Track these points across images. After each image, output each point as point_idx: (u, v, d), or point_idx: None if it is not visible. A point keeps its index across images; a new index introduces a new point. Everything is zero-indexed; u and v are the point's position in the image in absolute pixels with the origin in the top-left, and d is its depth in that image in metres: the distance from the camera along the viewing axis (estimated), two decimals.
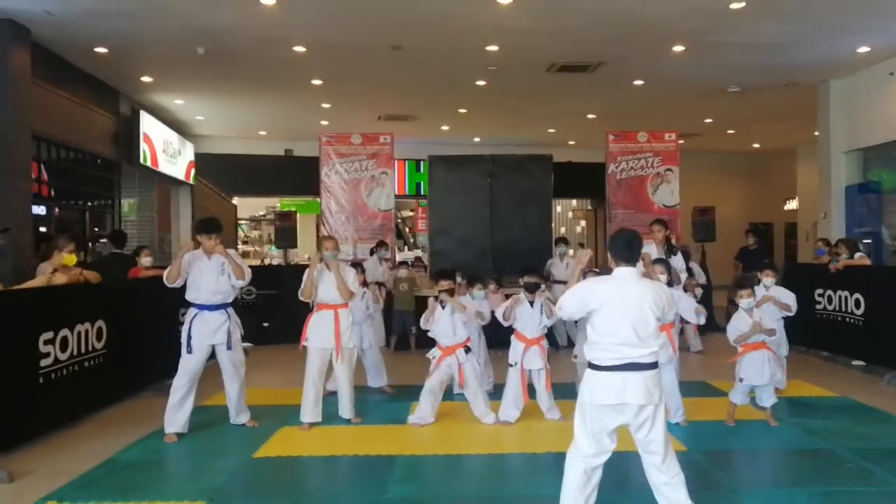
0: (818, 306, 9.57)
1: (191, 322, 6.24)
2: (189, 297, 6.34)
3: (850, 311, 8.98)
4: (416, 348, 10.37)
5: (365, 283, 8.19)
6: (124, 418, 6.92)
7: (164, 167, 15.29)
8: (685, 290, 7.22)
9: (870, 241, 12.82)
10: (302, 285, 6.60)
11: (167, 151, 15.50)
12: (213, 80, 13.32)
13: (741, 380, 6.37)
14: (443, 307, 6.56)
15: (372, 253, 11.01)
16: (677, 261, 8.37)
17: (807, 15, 9.78)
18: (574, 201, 24.44)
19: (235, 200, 20.57)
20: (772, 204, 21.47)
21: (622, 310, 3.97)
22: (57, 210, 12.05)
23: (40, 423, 5.99)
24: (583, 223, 24.16)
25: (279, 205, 22.88)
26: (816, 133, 18.38)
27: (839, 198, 13.42)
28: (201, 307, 6.28)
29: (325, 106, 15.45)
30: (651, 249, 8.11)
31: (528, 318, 6.57)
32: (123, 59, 11.85)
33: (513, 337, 6.72)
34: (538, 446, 5.88)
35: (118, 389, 7.27)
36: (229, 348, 6.38)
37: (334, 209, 12.26)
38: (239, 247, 21.42)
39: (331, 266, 6.56)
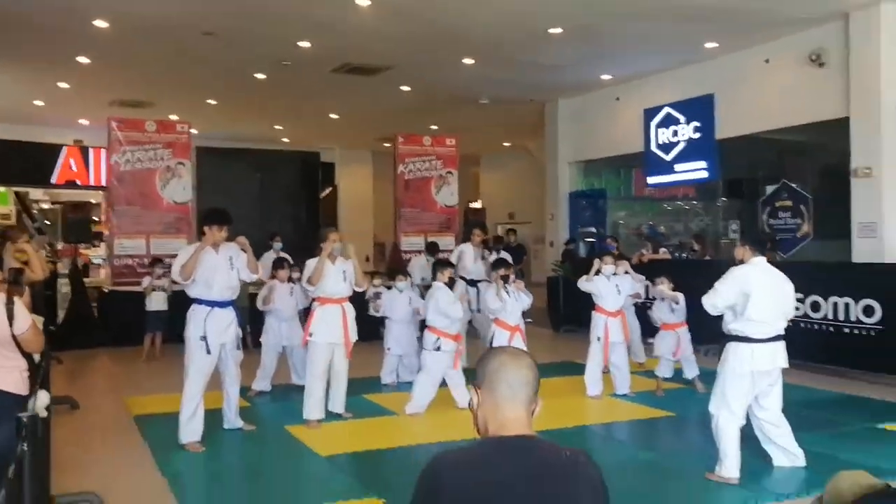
0: None
1: (204, 320, 5.71)
2: (196, 293, 5.78)
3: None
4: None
5: (291, 279, 7.91)
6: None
7: None
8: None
9: (593, 239, 15.34)
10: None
11: None
12: None
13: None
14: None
15: None
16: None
17: (604, 45, 11.53)
18: None
19: None
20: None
21: (771, 291, 4.89)
22: None
23: None
24: None
25: None
26: (506, 144, 21.24)
27: (564, 202, 15.73)
28: (212, 304, 5.77)
29: (63, 86, 13.69)
30: (469, 250, 9.24)
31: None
32: None
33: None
34: (607, 417, 6.64)
35: None
36: (238, 347, 5.95)
37: (125, 200, 11.13)
38: None
39: (350, 255, 6.47)
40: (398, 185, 13.51)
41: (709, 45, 11.68)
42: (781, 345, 4.93)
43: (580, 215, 15.60)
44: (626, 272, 7.76)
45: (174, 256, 10.68)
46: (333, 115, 16.99)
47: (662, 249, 11.31)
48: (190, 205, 11.80)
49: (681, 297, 7.40)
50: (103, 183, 15.75)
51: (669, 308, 7.50)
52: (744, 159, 13.03)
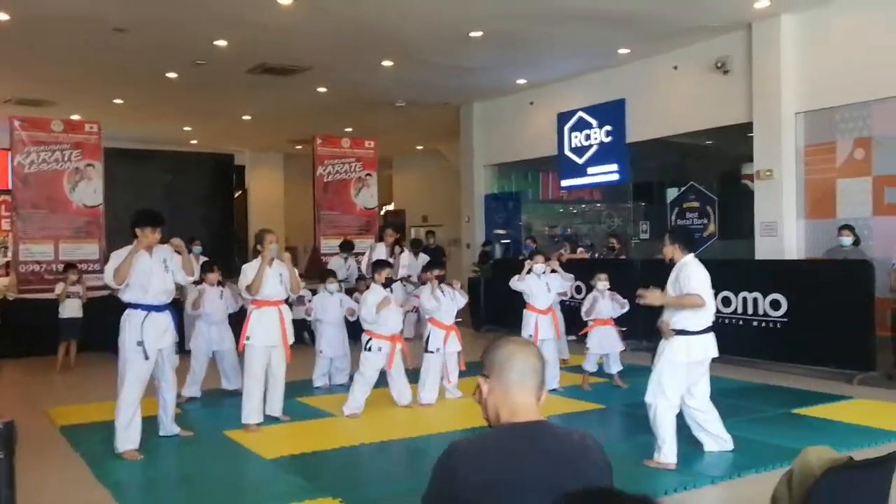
0: None
1: (141, 325, 5.57)
2: (131, 297, 5.62)
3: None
4: None
5: (221, 283, 7.77)
6: None
7: None
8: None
9: (508, 240, 15.63)
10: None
11: None
12: None
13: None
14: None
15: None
16: (405, 258, 9.76)
17: (521, 49, 11.75)
18: None
19: None
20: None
21: (708, 286, 5.15)
22: None
23: None
24: None
25: None
26: (419, 147, 21.34)
27: (480, 204, 15.94)
28: (149, 308, 5.63)
29: None
30: (381, 249, 9.43)
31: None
32: None
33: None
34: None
35: None
36: (176, 352, 5.84)
37: (30, 203, 10.66)
38: None
39: (283, 260, 6.42)
40: (317, 188, 13.42)
41: (621, 51, 12.11)
42: (712, 336, 5.20)
43: (494, 217, 15.84)
44: (554, 271, 7.97)
45: (86, 262, 10.54)
46: (246, 117, 16.70)
47: (580, 249, 11.65)
48: (101, 208, 11.38)
49: (626, 303, 7.71)
50: None
51: (611, 305, 7.77)
52: (651, 162, 13.54)
